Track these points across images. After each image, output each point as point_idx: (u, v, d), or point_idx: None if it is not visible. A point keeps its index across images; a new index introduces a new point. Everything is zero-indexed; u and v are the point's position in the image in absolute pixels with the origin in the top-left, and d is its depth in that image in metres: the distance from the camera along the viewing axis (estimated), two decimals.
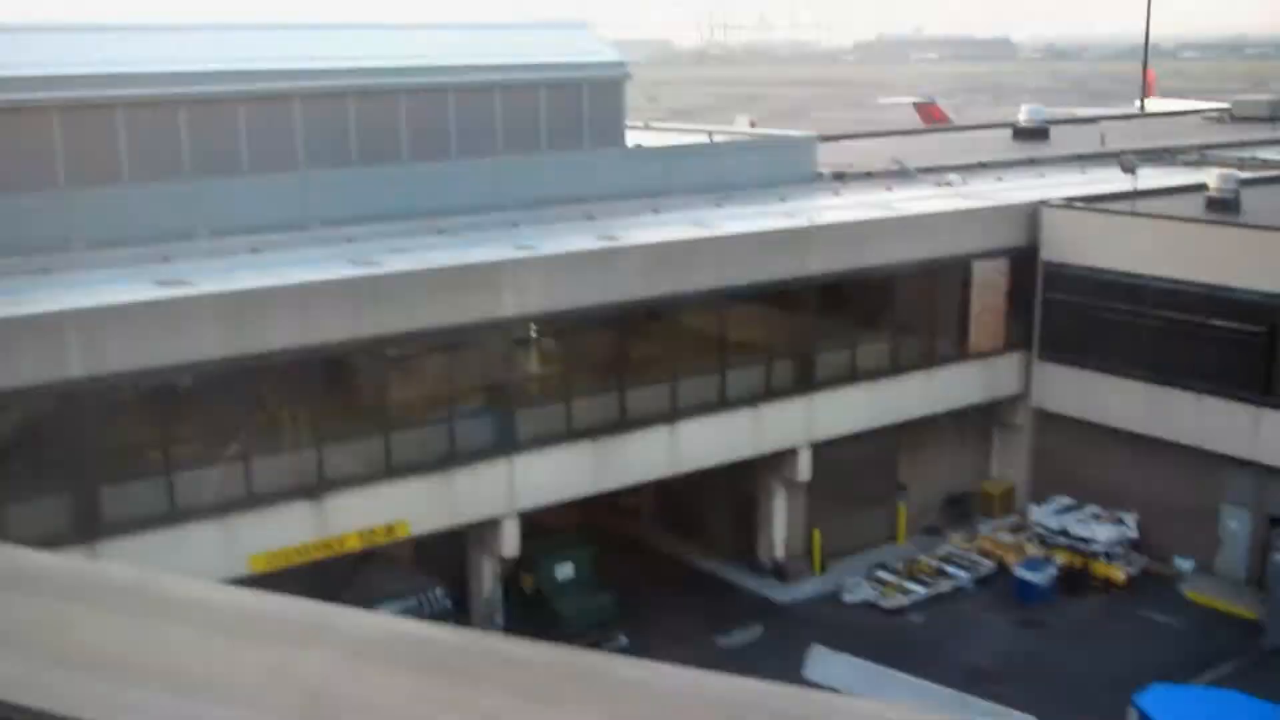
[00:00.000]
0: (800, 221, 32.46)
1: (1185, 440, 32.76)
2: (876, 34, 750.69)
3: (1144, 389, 33.41)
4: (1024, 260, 35.18)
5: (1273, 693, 26.96)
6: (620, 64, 36.80)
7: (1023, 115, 55.98)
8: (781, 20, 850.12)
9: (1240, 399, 31.48)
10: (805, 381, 31.98)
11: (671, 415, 29.96)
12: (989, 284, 34.92)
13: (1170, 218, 33.42)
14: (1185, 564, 33.30)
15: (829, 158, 42.75)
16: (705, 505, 35.50)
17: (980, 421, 37.28)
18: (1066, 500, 35.04)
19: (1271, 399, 30.95)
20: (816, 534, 33.89)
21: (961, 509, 36.93)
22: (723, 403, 30.69)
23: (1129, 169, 35.13)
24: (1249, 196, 36.43)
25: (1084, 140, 52.56)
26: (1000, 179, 42.36)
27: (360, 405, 27.52)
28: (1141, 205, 34.87)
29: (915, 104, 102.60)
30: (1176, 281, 32.27)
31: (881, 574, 33.02)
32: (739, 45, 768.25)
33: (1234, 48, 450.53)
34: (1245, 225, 32.74)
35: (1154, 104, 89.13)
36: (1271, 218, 33.52)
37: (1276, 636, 29.45)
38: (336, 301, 25.61)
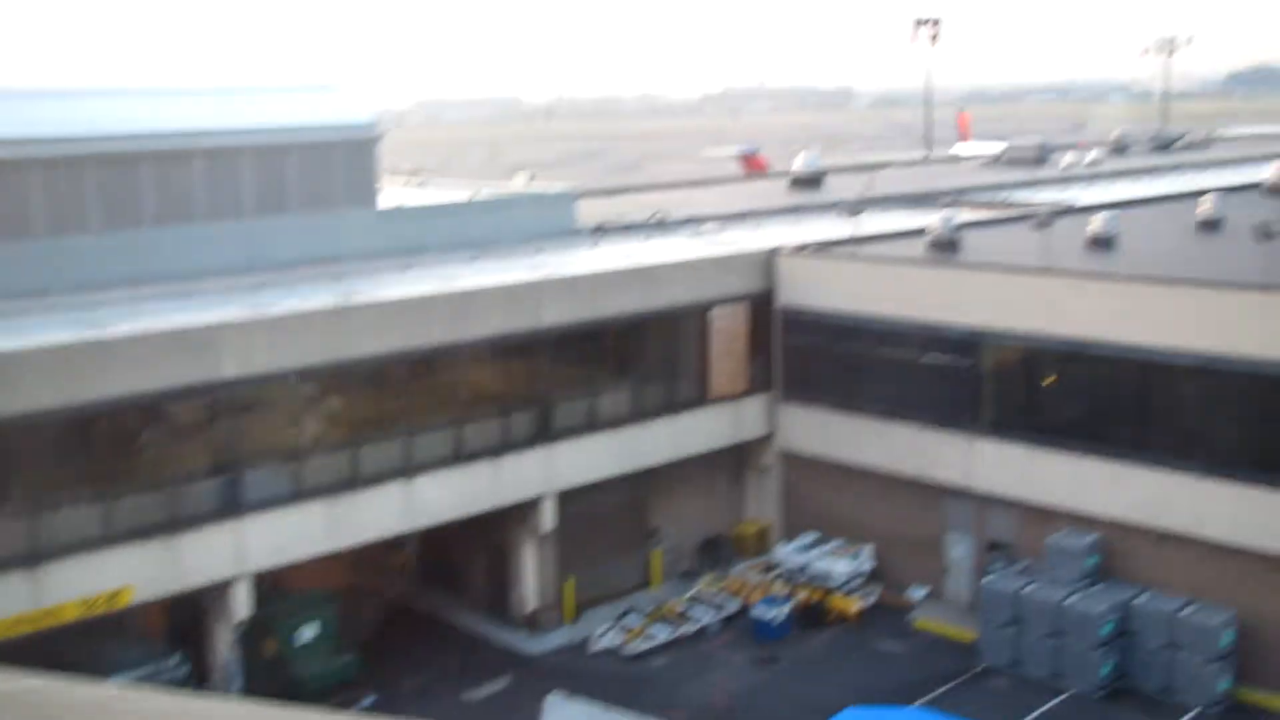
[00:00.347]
0: (536, 275, 33.26)
1: (911, 473, 34.38)
2: (723, 87, 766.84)
3: (874, 425, 34.97)
4: (762, 305, 36.57)
5: (981, 709, 28.46)
6: (370, 125, 37.41)
7: (798, 164, 58.05)
8: (631, 75, 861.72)
9: (954, 430, 33.19)
10: (545, 432, 32.70)
11: (406, 470, 30.36)
12: (728, 329, 36.21)
13: (885, 260, 35.24)
14: (918, 593, 34.79)
15: (639, 209, 43.95)
16: (462, 559, 35.91)
17: (733, 464, 38.45)
18: (811, 537, 36.33)
19: (980, 429, 32.71)
20: (569, 584, 34.48)
21: (718, 551, 37.94)
22: (459, 456, 31.20)
23: (852, 214, 36.92)
24: (972, 237, 38.53)
25: (854, 187, 54.84)
26: (759, 226, 43.89)
27: (80, 471, 27.29)
28: (871, 249, 36.65)
29: (740, 154, 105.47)
30: (895, 320, 33.98)
31: (628, 620, 33.73)
32: (589, 100, 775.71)
33: (1064, 91, 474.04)
34: (950, 265, 34.65)
35: (965, 147, 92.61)
36: (988, 256, 35.57)
37: (990, 656, 30.97)
38: (51, 367, 25.48)
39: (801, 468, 37.37)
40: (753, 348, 36.72)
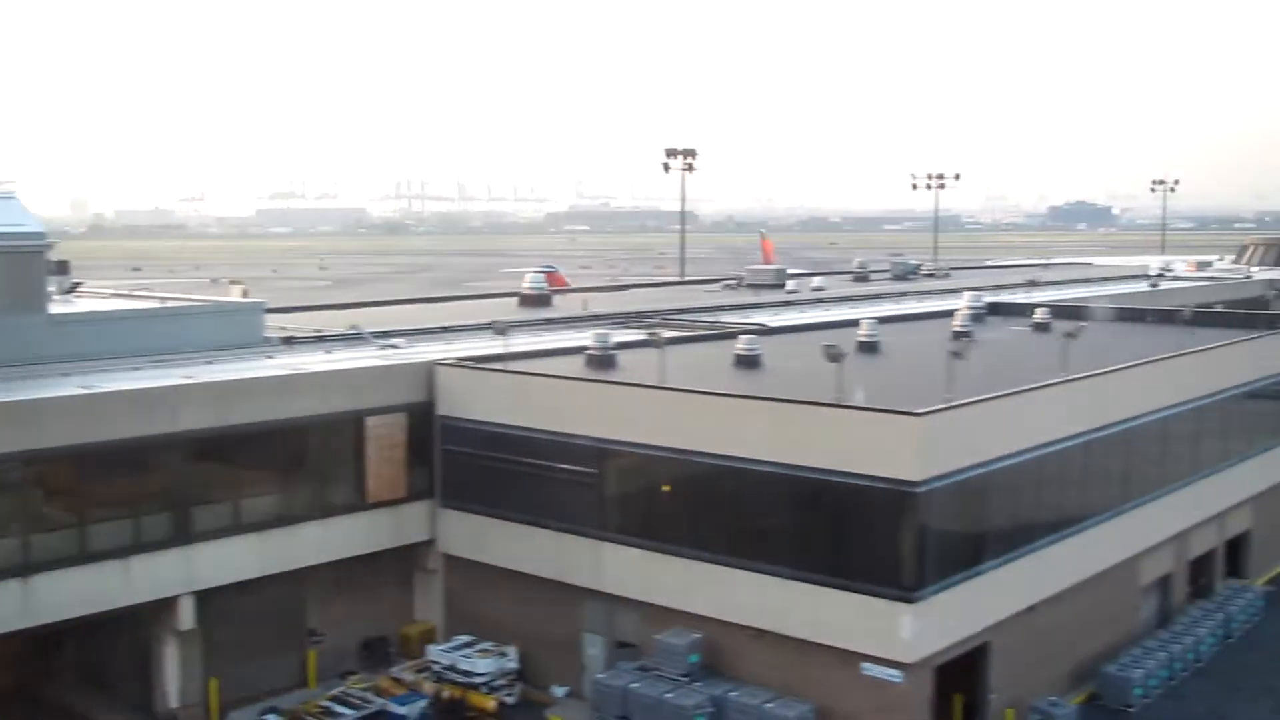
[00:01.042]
0: (174, 380, 34.41)
1: (552, 575, 36.10)
2: (569, 205, 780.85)
3: (521, 530, 36.70)
4: (423, 414, 38.23)
5: None
6: (40, 234, 38.30)
7: (525, 284, 60.50)
8: (480, 192, 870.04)
9: (586, 534, 35.11)
10: (183, 532, 33.54)
11: (24, 569, 30.86)
12: (387, 437, 37.71)
13: (526, 374, 37.42)
14: (559, 691, 36.28)
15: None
16: (112, 657, 36.23)
17: (401, 566, 39.66)
18: (464, 638, 37.60)
19: (606, 533, 34.69)
20: (214, 682, 35.04)
21: (380, 651, 38.92)
22: (86, 555, 31.82)
23: (500, 333, 39.16)
24: (631, 355, 41.05)
25: (574, 305, 57.44)
26: (452, 342, 45.76)
27: None
28: (519, 364, 38.80)
29: (542, 272, 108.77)
30: (536, 430, 35.97)
31: (269, 719, 34.41)
32: (435, 215, 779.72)
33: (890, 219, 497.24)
34: (577, 379, 36.91)
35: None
36: (637, 372, 37.89)
37: None
38: None
39: (462, 570, 38.78)
40: (413, 455, 38.24)
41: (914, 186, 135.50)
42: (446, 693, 35.60)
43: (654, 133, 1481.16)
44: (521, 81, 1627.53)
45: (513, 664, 36.56)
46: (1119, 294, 71.42)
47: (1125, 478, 38.33)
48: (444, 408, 38.19)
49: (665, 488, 34.14)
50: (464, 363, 38.89)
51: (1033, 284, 76.28)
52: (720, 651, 33.06)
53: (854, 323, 47.87)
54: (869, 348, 44.84)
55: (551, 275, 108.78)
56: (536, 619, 36.89)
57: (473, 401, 37.58)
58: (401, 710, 34.12)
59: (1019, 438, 32.99)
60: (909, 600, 29.55)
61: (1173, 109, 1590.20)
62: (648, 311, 56.19)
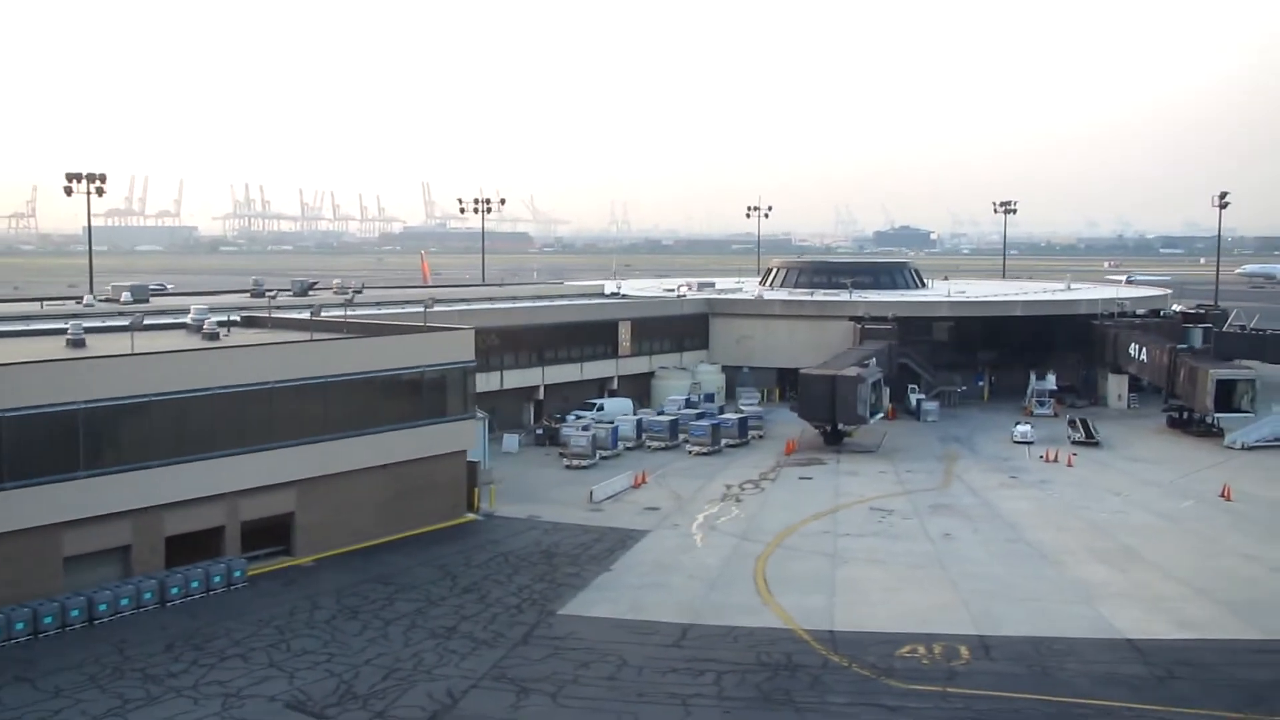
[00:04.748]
0: None
1: None
2: (403, 228, 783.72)
3: None
4: None
5: None
6: None
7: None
8: (328, 211, 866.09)
9: None
10: None
11: None
12: None
13: None
14: None
15: None
16: None
17: None
18: None
19: None
20: None
21: None
22: None
23: None
24: None
25: None
26: None
27: None
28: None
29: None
30: None
31: None
32: (269, 234, 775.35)
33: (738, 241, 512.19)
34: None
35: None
36: None
37: None
38: None
39: None
40: None
41: (747, 215, 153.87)
42: None
43: (516, 153, 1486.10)
44: (407, 98, 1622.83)
45: None
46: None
47: None
48: None
49: None
50: None
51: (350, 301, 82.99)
52: None
53: None
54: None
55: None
56: None
57: None
58: None
59: None
60: None
61: (1022, 135, 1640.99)
62: None
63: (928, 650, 41.76)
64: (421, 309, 68.24)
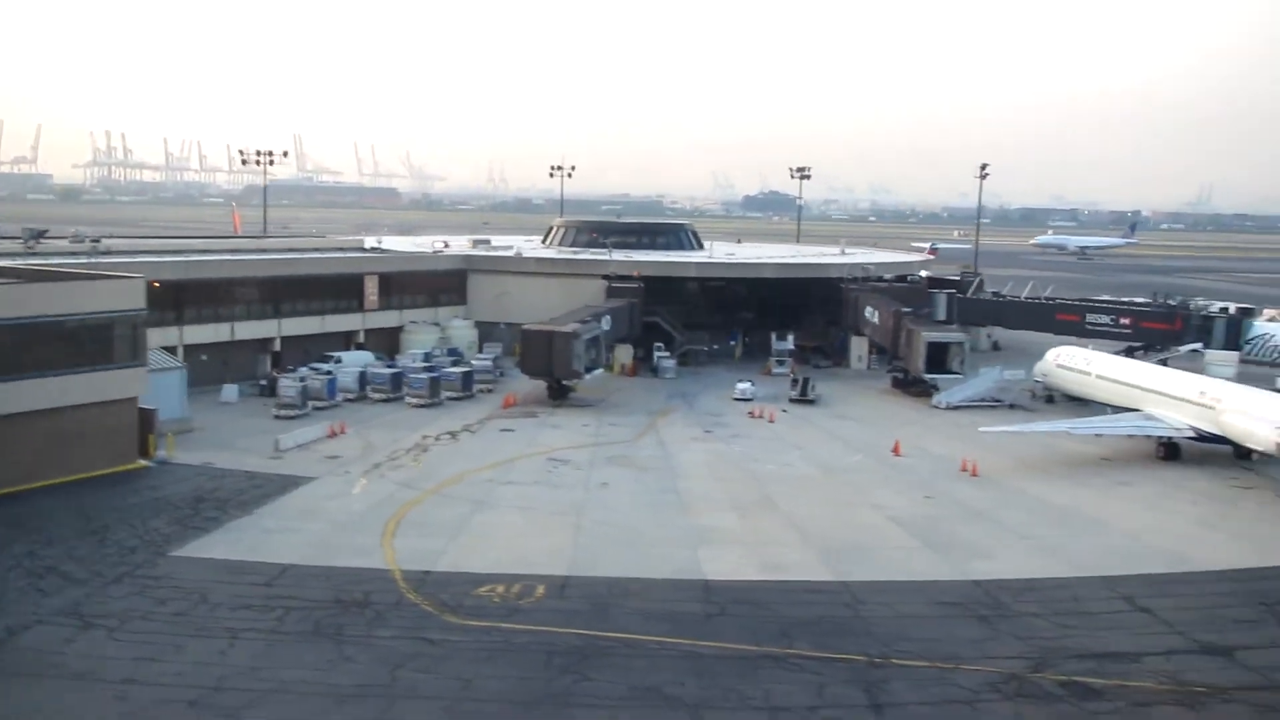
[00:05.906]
0: None
1: None
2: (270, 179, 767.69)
3: None
4: None
5: None
6: None
7: None
8: (194, 161, 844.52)
9: None
10: None
11: None
12: None
13: None
14: None
15: None
16: None
17: None
18: None
19: None
20: None
21: None
22: None
23: None
24: None
25: None
26: None
27: None
28: None
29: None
30: None
31: None
32: (131, 183, 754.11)
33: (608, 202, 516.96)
34: None
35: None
36: None
37: None
38: None
39: None
40: None
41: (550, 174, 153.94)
42: None
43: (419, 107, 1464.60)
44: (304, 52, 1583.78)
45: None
46: None
47: None
48: None
49: None
50: None
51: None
52: None
53: None
54: None
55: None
56: None
57: None
58: None
59: None
60: None
61: (905, 110, 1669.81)
62: None
63: (506, 590, 43.78)
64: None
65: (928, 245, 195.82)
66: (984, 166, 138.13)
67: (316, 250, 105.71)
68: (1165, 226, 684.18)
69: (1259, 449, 64.93)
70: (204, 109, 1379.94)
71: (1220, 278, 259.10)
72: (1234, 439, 66.65)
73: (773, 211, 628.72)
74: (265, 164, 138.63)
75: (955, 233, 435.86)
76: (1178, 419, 70.01)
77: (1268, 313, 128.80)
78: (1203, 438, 68.57)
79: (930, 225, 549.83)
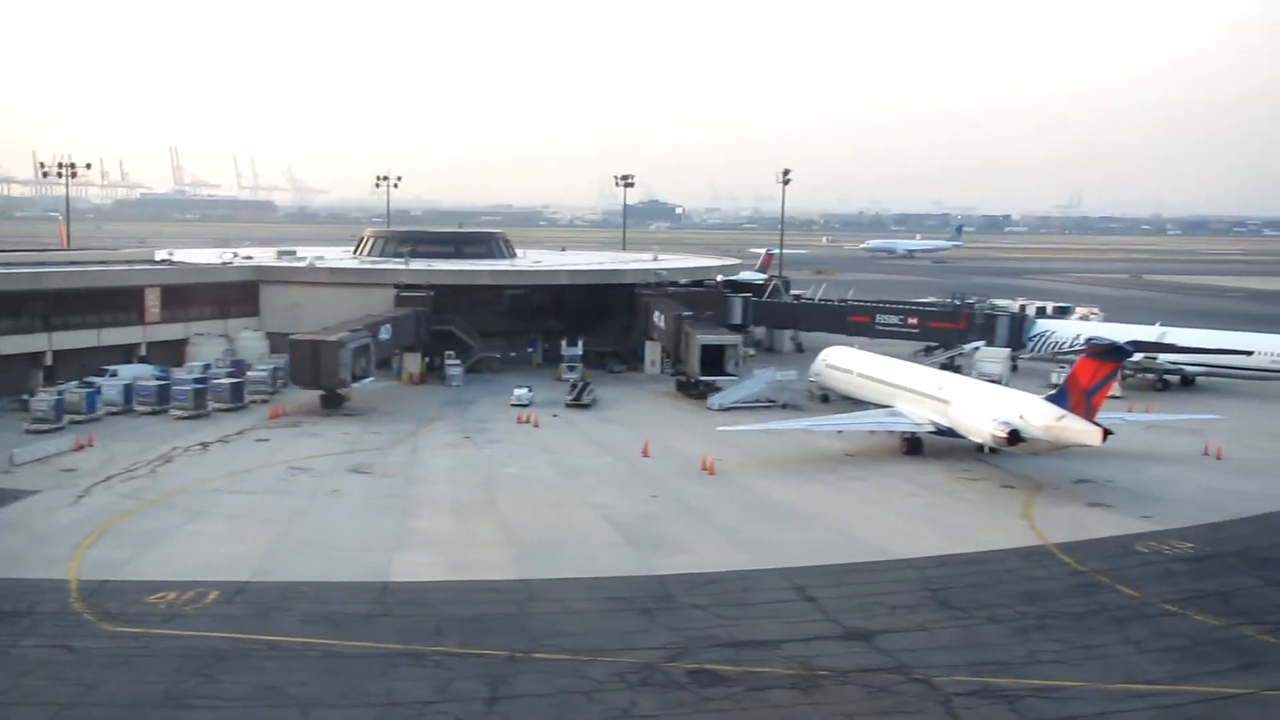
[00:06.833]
0: None
1: None
2: (141, 193, 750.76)
3: None
4: None
5: None
6: None
7: None
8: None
9: None
10: None
11: None
12: None
13: None
14: None
15: None
16: None
17: None
18: None
19: None
20: None
21: None
22: None
23: None
24: None
25: None
26: None
27: None
28: None
29: None
30: None
31: None
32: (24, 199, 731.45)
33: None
34: None
35: None
36: None
37: None
38: None
39: None
40: None
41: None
42: None
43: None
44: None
45: None
46: None
47: None
48: None
49: None
50: None
51: None
52: None
53: None
54: None
55: None
56: None
57: None
58: None
59: None
60: None
61: (794, 118, 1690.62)
62: None
63: (177, 597, 44.14)
64: None
65: (764, 251, 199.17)
66: (786, 172, 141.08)
67: (100, 263, 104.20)
68: (1025, 230, 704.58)
69: (980, 441, 67.80)
70: (77, 121, 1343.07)
71: (1059, 278, 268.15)
72: (962, 433, 69.43)
73: (650, 220, 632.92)
74: (68, 176, 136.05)
75: (824, 239, 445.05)
76: (920, 414, 72.69)
77: (1080, 311, 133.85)
78: (941, 432, 71.26)
79: (804, 233, 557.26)
